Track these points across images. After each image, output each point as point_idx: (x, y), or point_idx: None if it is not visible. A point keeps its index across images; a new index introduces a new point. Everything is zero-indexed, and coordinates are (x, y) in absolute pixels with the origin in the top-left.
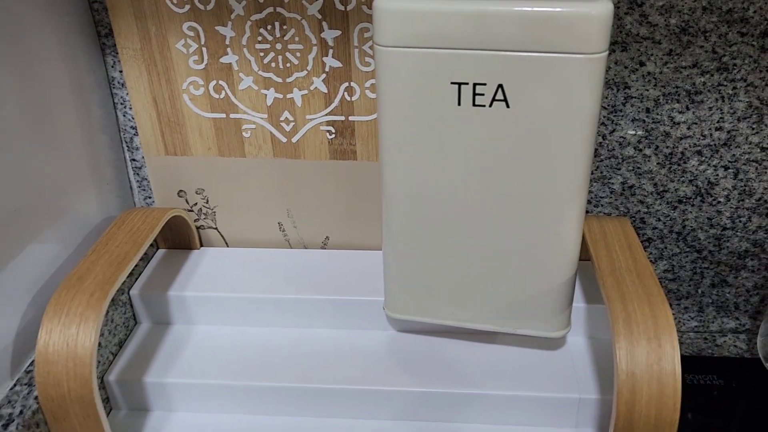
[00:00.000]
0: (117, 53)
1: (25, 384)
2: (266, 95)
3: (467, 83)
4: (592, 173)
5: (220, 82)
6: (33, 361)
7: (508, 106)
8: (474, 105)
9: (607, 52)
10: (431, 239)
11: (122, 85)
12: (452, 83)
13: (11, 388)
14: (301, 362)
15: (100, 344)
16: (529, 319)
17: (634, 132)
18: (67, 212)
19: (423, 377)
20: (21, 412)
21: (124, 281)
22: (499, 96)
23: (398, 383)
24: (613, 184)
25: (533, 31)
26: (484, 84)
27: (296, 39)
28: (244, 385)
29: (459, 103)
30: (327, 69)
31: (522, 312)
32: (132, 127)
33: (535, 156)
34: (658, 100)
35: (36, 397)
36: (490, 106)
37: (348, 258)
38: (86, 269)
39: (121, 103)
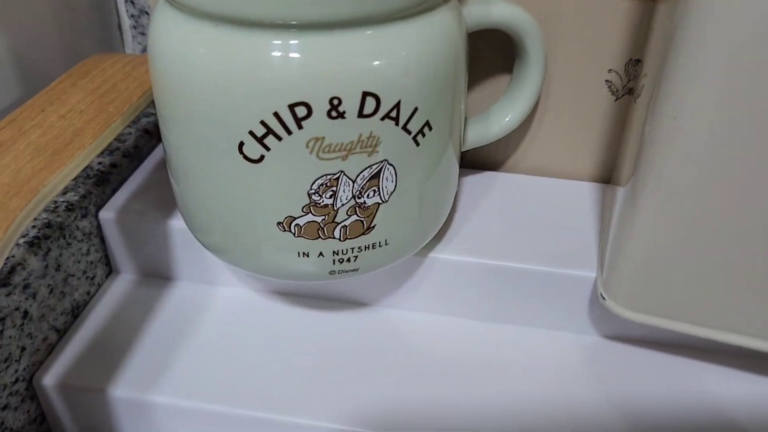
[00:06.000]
0: None
1: None
2: None
3: None
4: None
5: None
6: None
7: None
8: None
9: None
10: (750, 192)
11: None
12: None
13: None
14: (417, 377)
15: (28, 316)
16: None
17: None
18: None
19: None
20: None
21: (81, 192)
22: None
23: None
24: None
25: None
26: None
27: None
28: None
29: None
30: None
31: None
32: None
33: None
34: None
35: None
36: None
37: (519, 188)
38: None
39: None
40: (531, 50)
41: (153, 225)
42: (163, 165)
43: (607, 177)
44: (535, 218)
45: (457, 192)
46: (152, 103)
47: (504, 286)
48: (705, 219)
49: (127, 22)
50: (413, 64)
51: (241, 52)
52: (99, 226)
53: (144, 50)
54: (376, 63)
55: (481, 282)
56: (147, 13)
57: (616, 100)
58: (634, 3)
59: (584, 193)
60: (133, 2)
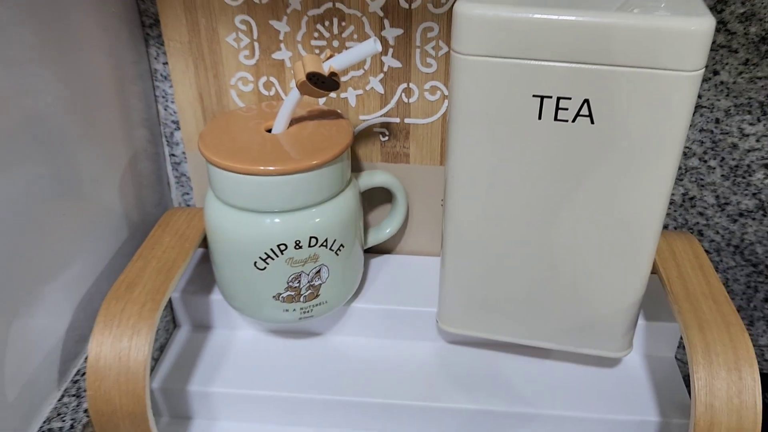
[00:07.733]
0: (162, 44)
1: (74, 395)
2: None
3: (550, 97)
4: None
5: (271, 78)
6: (79, 371)
7: (592, 122)
8: (556, 120)
9: (703, 70)
10: (497, 254)
11: (165, 77)
12: (534, 96)
13: (59, 399)
14: (347, 373)
15: None
16: (594, 338)
17: None
18: (106, 209)
19: (474, 394)
20: (72, 426)
21: None
22: (584, 111)
23: (448, 399)
24: (674, 195)
25: (629, 45)
26: (569, 98)
27: (355, 36)
28: (288, 396)
29: (540, 117)
30: (385, 69)
31: (587, 331)
32: (173, 122)
33: (617, 175)
34: (729, 110)
35: (86, 411)
36: (573, 121)
37: (400, 264)
38: (134, 276)
39: (163, 96)
40: (398, 197)
41: (201, 299)
42: (206, 258)
43: None
44: (412, 282)
45: (365, 268)
46: (205, 238)
47: (394, 319)
48: (479, 268)
49: (173, 180)
50: (334, 220)
51: (255, 223)
52: (170, 301)
53: (183, 195)
54: (316, 223)
55: (381, 318)
56: (186, 176)
57: None
58: None
59: (437, 264)
60: (176, 169)
